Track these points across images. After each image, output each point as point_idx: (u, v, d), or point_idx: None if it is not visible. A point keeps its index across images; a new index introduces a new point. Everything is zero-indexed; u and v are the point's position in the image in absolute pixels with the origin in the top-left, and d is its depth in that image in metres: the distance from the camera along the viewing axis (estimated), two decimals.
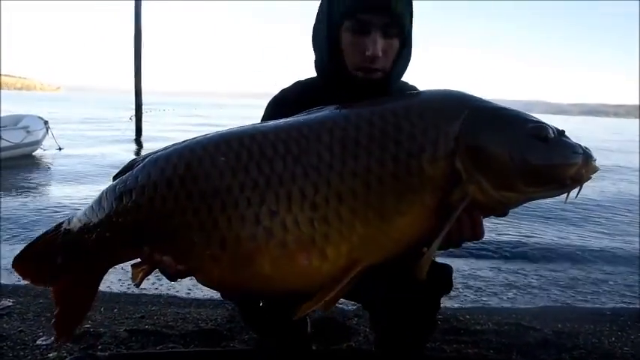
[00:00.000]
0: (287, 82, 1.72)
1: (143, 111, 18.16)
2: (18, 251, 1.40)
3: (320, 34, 1.54)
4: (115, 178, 1.37)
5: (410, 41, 1.52)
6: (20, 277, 1.43)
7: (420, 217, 1.19)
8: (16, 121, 12.92)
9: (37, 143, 12.86)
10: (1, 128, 11.70)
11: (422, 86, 1.52)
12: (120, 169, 1.38)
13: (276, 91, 1.70)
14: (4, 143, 11.40)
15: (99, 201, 1.35)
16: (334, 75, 1.54)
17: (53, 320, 1.41)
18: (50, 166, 11.73)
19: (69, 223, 1.39)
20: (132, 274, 1.37)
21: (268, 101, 1.68)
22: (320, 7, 1.55)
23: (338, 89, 1.52)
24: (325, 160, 1.20)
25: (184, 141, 1.36)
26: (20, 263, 1.40)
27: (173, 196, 1.26)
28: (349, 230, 1.18)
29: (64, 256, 1.38)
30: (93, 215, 1.34)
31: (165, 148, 1.36)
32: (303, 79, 1.70)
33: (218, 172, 1.24)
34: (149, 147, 15.15)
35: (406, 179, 1.18)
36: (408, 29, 1.49)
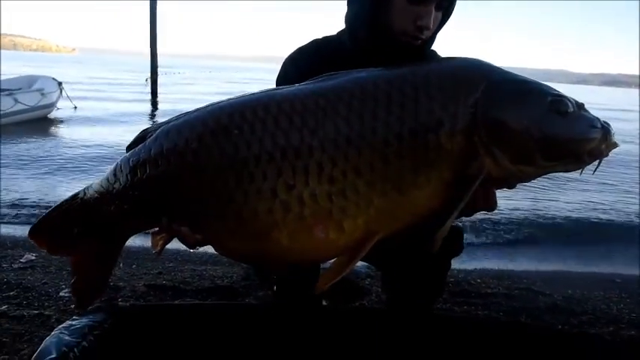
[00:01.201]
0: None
1: (159, 73, 18.12)
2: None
3: None
4: (128, 149, 1.36)
5: (451, 13, 1.51)
6: (36, 246, 1.44)
7: (437, 190, 1.19)
8: (30, 82, 12.95)
9: (51, 106, 12.93)
10: (17, 91, 11.79)
11: (448, 52, 1.52)
12: (132, 139, 1.37)
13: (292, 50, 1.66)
14: (20, 106, 11.47)
15: (114, 173, 1.34)
16: (371, 34, 1.49)
17: (71, 289, 1.44)
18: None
19: (85, 194, 1.39)
20: (152, 242, 1.38)
21: (284, 59, 1.65)
22: None
23: (370, 49, 1.49)
24: (343, 133, 1.18)
25: (197, 109, 1.33)
26: (37, 233, 1.41)
27: (187, 170, 1.26)
28: (366, 203, 1.18)
29: (82, 226, 1.39)
30: (109, 187, 1.34)
31: (177, 118, 1.34)
32: (320, 37, 1.67)
33: (232, 145, 1.22)
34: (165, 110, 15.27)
35: (424, 153, 1.17)
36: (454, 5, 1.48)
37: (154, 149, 1.29)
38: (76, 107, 14.10)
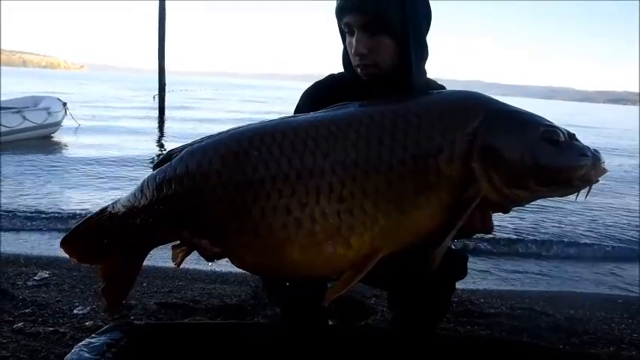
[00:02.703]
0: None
1: (167, 91, 18.21)
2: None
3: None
4: (154, 167, 1.47)
5: (410, 38, 1.50)
6: (67, 256, 1.53)
7: (436, 212, 1.27)
8: (35, 102, 13.15)
9: (57, 124, 13.15)
10: (24, 109, 12.02)
11: (453, 75, 1.52)
12: (159, 159, 1.48)
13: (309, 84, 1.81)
14: (28, 124, 11.70)
15: (141, 189, 1.44)
16: (348, 71, 1.64)
17: (102, 294, 1.53)
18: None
19: (113, 207, 1.49)
20: (172, 255, 1.48)
21: (302, 92, 1.78)
22: None
23: (360, 84, 1.60)
24: (351, 157, 1.28)
25: (219, 133, 1.44)
26: (68, 243, 1.51)
27: (210, 188, 1.36)
28: (372, 222, 1.27)
29: (110, 238, 1.48)
30: (136, 202, 1.44)
31: (201, 140, 1.44)
32: (336, 72, 1.77)
33: (251, 166, 1.32)
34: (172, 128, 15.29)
35: (425, 177, 1.27)
36: (403, 26, 1.49)
37: (179, 168, 1.39)
38: (79, 125, 14.40)
